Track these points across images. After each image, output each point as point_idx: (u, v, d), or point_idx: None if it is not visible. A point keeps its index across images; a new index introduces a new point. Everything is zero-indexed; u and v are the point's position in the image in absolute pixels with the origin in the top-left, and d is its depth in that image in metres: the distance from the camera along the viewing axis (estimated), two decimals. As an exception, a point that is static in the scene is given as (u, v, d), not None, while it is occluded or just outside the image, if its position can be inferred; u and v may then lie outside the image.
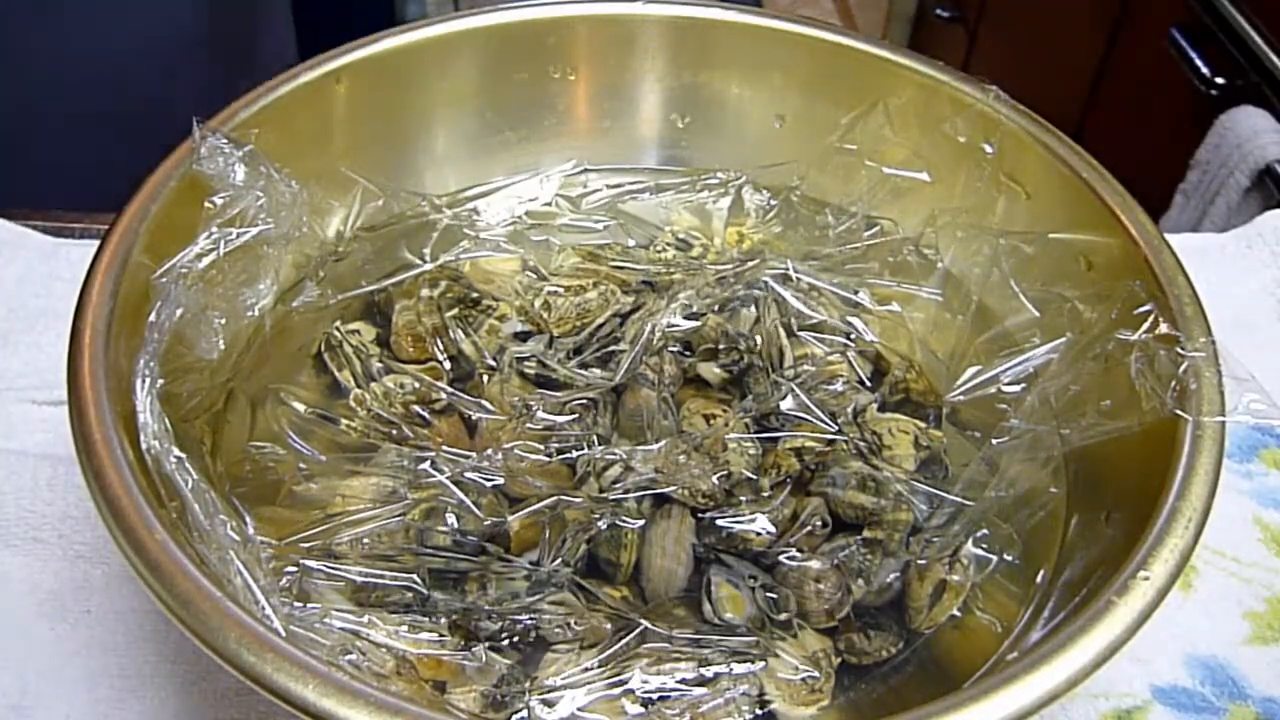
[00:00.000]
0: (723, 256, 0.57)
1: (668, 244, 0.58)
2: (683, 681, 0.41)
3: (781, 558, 0.45)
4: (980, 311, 0.55)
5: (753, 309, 0.55)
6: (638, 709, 0.40)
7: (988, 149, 0.54)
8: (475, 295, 0.55)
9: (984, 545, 0.47)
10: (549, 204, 0.60)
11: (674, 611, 0.43)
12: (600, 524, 0.45)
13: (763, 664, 0.42)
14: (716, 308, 0.54)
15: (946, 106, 0.54)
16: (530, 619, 0.43)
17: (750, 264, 0.57)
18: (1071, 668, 0.34)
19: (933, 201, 0.57)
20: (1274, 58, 0.95)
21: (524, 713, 0.40)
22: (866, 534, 0.46)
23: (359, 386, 0.50)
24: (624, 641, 0.42)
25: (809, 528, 0.45)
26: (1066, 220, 0.51)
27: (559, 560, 0.44)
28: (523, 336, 0.53)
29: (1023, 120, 0.52)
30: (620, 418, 0.49)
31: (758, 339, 0.53)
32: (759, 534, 0.45)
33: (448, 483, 0.46)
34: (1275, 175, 0.90)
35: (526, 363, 0.51)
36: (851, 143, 0.57)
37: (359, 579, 0.44)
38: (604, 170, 0.61)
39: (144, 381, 0.40)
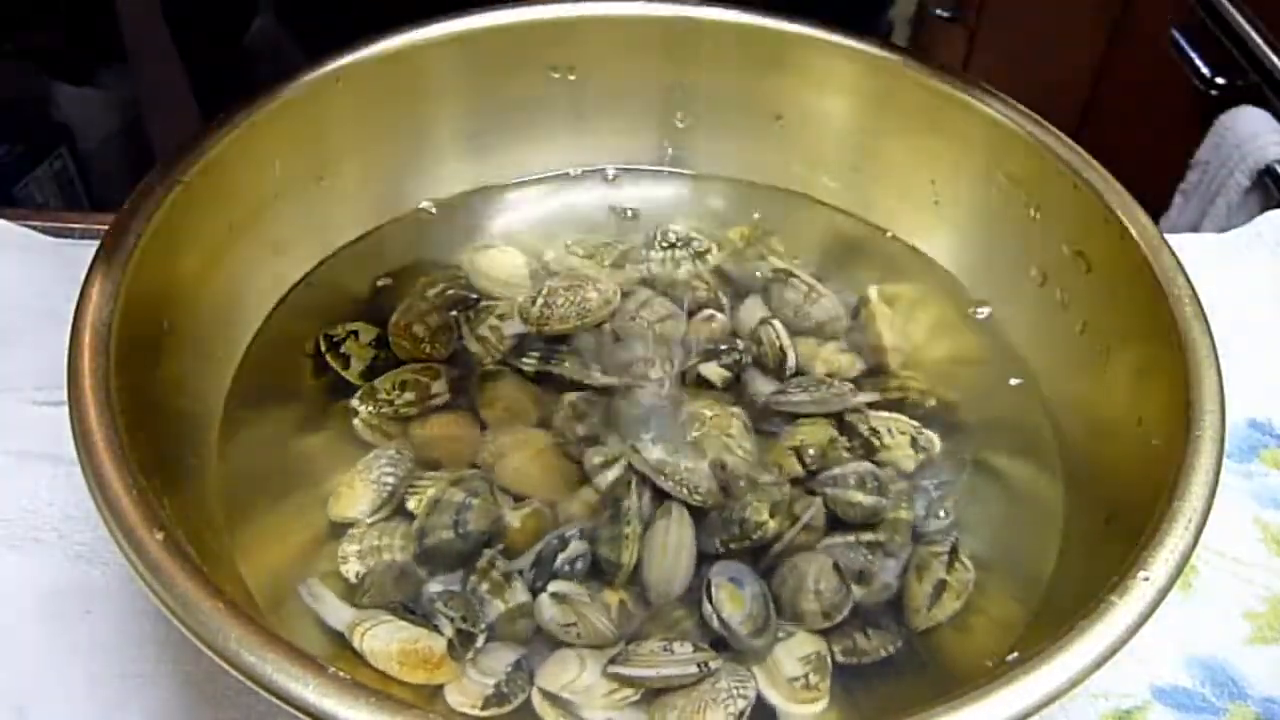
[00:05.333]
0: (724, 255, 0.57)
1: (668, 243, 0.58)
2: (683, 681, 0.41)
3: (781, 558, 0.45)
4: (977, 310, 0.55)
5: (754, 308, 0.55)
6: (638, 708, 0.40)
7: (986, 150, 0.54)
8: (475, 295, 0.55)
9: (984, 545, 0.47)
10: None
11: (674, 612, 0.43)
12: (600, 525, 0.45)
13: (762, 663, 0.42)
14: (717, 306, 0.54)
15: (946, 107, 0.54)
16: (531, 619, 0.43)
17: (752, 263, 0.57)
18: (1071, 668, 0.34)
19: (933, 203, 0.57)
20: (1274, 58, 0.95)
21: (525, 712, 0.40)
22: (866, 534, 0.46)
23: (358, 386, 0.50)
24: (625, 642, 0.42)
25: (808, 527, 0.45)
26: (1066, 220, 0.51)
27: (560, 561, 0.44)
28: (523, 336, 0.53)
29: (1022, 120, 0.52)
30: (620, 417, 0.49)
31: (759, 338, 0.53)
32: (758, 534, 0.45)
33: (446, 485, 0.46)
34: (1275, 175, 0.90)
35: (526, 361, 0.51)
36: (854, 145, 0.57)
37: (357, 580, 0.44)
38: (603, 170, 0.61)
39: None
